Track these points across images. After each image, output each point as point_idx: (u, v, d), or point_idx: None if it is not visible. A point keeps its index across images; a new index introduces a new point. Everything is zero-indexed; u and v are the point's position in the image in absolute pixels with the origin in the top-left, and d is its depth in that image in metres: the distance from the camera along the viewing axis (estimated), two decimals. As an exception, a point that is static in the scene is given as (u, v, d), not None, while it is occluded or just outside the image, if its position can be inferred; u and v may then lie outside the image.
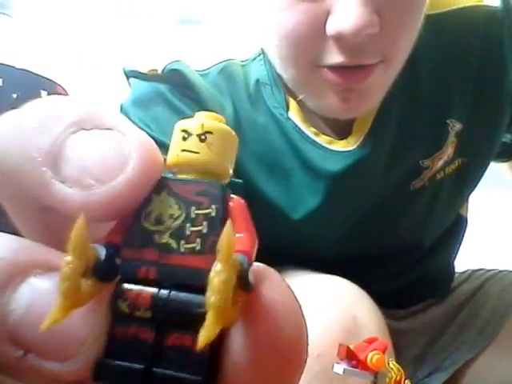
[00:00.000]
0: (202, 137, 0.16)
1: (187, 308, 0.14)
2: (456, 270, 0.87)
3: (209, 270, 0.14)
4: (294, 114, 0.67)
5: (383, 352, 0.55)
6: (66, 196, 0.15)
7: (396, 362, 0.56)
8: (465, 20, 0.69)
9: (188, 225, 0.15)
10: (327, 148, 0.67)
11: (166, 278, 0.15)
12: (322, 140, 0.67)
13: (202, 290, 0.14)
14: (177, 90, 0.66)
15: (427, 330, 0.81)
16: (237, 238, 0.15)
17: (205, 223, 0.15)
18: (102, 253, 0.15)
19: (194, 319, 0.14)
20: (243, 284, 0.14)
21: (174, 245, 0.15)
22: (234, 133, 0.17)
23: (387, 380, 0.55)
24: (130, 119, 0.56)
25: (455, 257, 0.86)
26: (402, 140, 0.68)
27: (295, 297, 0.15)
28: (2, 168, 0.16)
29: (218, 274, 0.13)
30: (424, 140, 0.70)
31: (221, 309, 0.13)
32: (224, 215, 0.15)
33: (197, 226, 0.15)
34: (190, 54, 0.68)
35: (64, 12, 1.64)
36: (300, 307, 0.15)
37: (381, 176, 0.69)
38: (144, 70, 0.68)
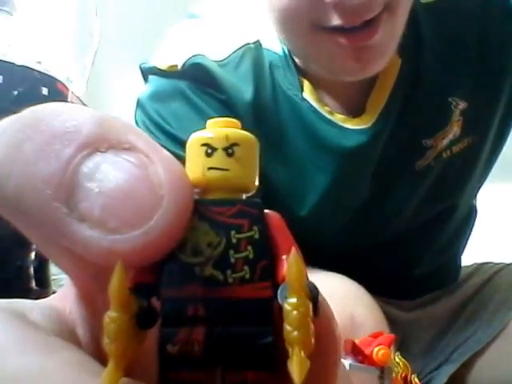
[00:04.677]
0: (229, 150, 0.14)
1: (246, 342, 0.13)
2: (462, 263, 0.87)
3: (263, 299, 0.13)
4: (308, 95, 0.67)
5: (389, 346, 0.55)
6: (86, 239, 0.13)
7: (403, 356, 0.56)
8: (461, 3, 0.70)
9: (231, 252, 0.14)
10: (342, 126, 0.67)
11: (217, 314, 0.13)
12: (337, 119, 0.68)
13: (258, 321, 0.13)
14: (197, 87, 0.66)
15: (435, 324, 0.81)
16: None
17: (249, 248, 0.14)
18: (144, 299, 0.13)
19: (255, 353, 0.13)
20: (314, 310, 0.13)
21: (219, 276, 0.13)
22: (255, 138, 0.15)
23: (393, 375, 0.54)
24: (147, 113, 0.56)
25: (464, 247, 0.86)
26: (406, 120, 0.69)
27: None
28: (6, 202, 0.14)
29: (295, 308, 0.13)
30: (426, 119, 0.70)
31: (305, 343, 0.13)
32: (268, 235, 0.14)
33: (241, 252, 0.14)
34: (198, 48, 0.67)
35: (63, 9, 1.63)
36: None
37: (387, 155, 0.70)
38: (163, 66, 0.67)
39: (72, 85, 1.37)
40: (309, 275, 0.14)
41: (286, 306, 0.13)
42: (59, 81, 1.32)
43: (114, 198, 0.13)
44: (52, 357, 0.13)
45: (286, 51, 0.68)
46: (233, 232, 0.14)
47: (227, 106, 0.65)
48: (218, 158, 0.14)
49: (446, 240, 0.80)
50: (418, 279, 0.81)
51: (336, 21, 0.56)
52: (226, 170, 0.14)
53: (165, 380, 0.13)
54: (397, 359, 0.55)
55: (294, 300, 0.13)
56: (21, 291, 1.15)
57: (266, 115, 0.67)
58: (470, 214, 0.84)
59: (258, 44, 0.68)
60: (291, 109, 0.67)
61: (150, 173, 0.13)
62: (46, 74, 1.30)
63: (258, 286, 0.14)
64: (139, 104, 0.67)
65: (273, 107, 0.67)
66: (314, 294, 0.14)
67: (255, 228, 0.14)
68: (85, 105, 1.39)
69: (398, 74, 0.67)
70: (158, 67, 0.67)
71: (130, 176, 0.13)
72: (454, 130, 0.71)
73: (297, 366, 0.12)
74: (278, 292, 0.13)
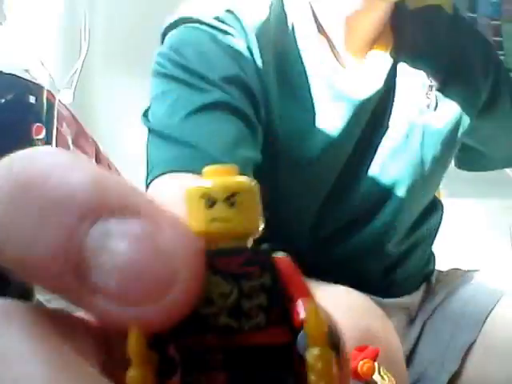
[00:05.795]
0: (230, 201, 0.14)
1: None
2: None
3: (282, 344, 0.14)
4: (324, 47, 0.74)
5: (374, 360, 0.55)
6: (103, 310, 0.12)
7: (388, 370, 0.56)
8: (436, 15, 0.82)
9: (244, 300, 0.14)
10: (356, 77, 0.75)
11: (236, 361, 0.14)
12: (349, 68, 0.76)
13: (278, 365, 0.14)
14: (225, 33, 0.70)
15: (408, 338, 0.83)
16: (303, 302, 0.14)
17: (262, 295, 0.14)
18: (162, 350, 0.13)
19: None
20: (336, 354, 0.13)
21: (234, 325, 0.14)
22: (254, 183, 0.15)
23: (378, 388, 0.54)
24: (168, 57, 0.69)
25: (435, 237, 0.90)
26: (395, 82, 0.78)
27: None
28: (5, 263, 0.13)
29: (319, 359, 0.13)
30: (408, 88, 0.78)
31: None
32: (280, 280, 0.14)
33: (254, 300, 0.14)
34: None
35: (51, 18, 1.63)
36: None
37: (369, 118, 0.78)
38: (193, 16, 0.71)
39: (59, 93, 1.37)
40: (316, 289, 0.14)
41: (309, 358, 0.13)
42: (46, 89, 1.32)
43: (129, 273, 0.12)
44: None
45: (309, 9, 0.74)
46: (244, 281, 0.14)
47: (251, 52, 0.70)
48: (220, 210, 0.14)
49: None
50: (391, 273, 0.83)
51: None
52: (229, 221, 0.14)
53: None
54: (382, 373, 0.55)
55: (316, 351, 0.13)
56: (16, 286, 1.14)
57: (287, 64, 0.73)
58: (435, 207, 0.88)
59: (280, 1, 0.74)
60: (310, 61, 0.73)
61: (159, 243, 0.12)
62: (33, 83, 1.29)
63: (275, 332, 0.14)
64: (158, 55, 0.71)
65: (293, 57, 0.73)
66: (335, 340, 0.13)
67: (266, 275, 0.14)
68: (72, 113, 1.38)
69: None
70: (187, 16, 0.71)
71: (140, 249, 0.12)
72: (431, 103, 0.78)
73: None
74: (298, 340, 0.13)
